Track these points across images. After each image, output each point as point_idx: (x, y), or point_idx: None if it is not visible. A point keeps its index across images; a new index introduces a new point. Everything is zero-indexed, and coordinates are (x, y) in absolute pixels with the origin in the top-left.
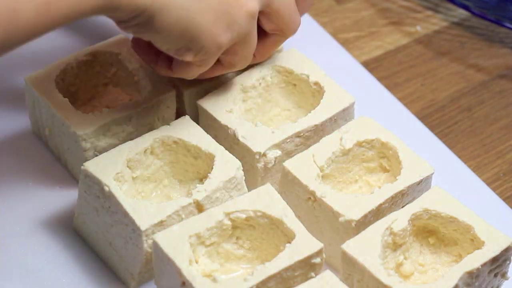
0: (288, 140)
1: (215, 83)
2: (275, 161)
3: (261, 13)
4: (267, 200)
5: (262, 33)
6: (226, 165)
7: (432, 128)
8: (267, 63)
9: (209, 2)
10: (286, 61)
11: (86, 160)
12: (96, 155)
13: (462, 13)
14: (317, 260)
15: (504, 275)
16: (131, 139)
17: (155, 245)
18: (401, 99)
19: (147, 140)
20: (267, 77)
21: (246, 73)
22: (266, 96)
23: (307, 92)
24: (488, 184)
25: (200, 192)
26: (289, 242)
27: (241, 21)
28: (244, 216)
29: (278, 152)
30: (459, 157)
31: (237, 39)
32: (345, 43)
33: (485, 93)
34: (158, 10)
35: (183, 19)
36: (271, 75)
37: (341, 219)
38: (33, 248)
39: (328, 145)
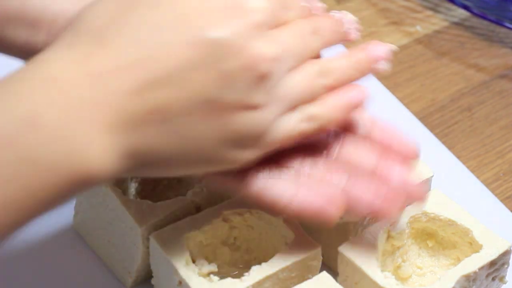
0: None
1: None
2: None
3: None
4: None
5: None
6: None
7: (432, 128)
8: None
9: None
10: None
11: None
12: None
13: (462, 13)
14: (314, 261)
15: (502, 279)
16: None
17: (152, 244)
18: (401, 99)
19: None
20: None
21: None
22: None
23: None
24: (488, 184)
25: (199, 192)
26: (287, 243)
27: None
28: (242, 216)
29: None
30: (459, 157)
31: None
32: (345, 43)
33: (485, 93)
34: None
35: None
36: None
37: (339, 220)
38: (31, 246)
39: None
